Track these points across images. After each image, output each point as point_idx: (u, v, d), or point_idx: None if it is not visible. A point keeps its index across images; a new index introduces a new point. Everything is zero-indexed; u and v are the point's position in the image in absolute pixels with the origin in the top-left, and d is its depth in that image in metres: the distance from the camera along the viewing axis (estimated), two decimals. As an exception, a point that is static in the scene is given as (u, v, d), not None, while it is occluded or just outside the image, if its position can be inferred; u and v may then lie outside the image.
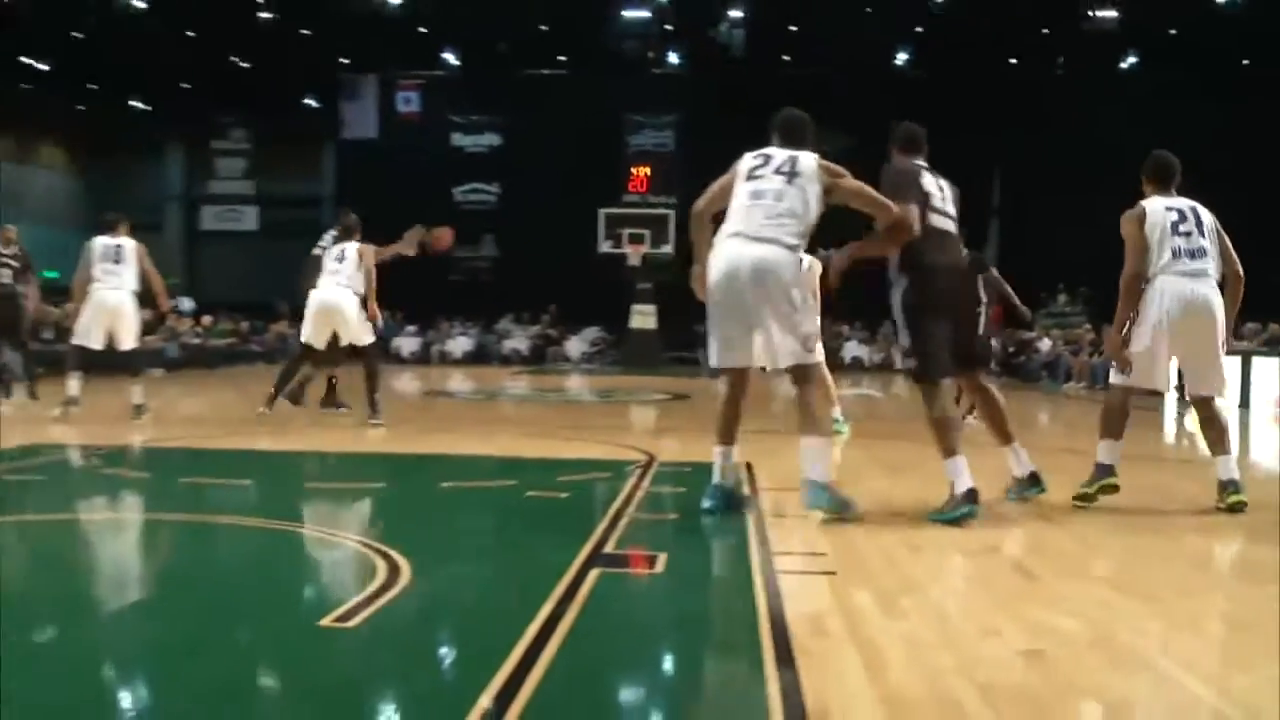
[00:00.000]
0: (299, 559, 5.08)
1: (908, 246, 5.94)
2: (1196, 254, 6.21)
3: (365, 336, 10.98)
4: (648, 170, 34.10)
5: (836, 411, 9.66)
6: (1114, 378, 6.46)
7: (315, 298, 10.91)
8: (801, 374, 5.71)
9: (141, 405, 11.03)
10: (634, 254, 28.29)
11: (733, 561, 4.91)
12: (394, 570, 4.32)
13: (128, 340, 11.16)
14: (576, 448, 9.36)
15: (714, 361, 5.95)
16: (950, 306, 6.20)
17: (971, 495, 5.71)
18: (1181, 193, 6.49)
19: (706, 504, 5.85)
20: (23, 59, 33.47)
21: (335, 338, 10.93)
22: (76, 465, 8.14)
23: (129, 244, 11.27)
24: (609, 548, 4.95)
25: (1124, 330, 6.35)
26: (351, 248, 11.01)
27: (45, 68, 34.32)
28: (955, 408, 6.49)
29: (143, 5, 28.63)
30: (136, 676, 3.29)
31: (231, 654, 3.46)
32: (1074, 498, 6.28)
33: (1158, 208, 6.30)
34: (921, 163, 6.23)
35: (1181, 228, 6.24)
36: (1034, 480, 6.40)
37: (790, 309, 5.60)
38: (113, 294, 11.01)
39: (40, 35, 31.24)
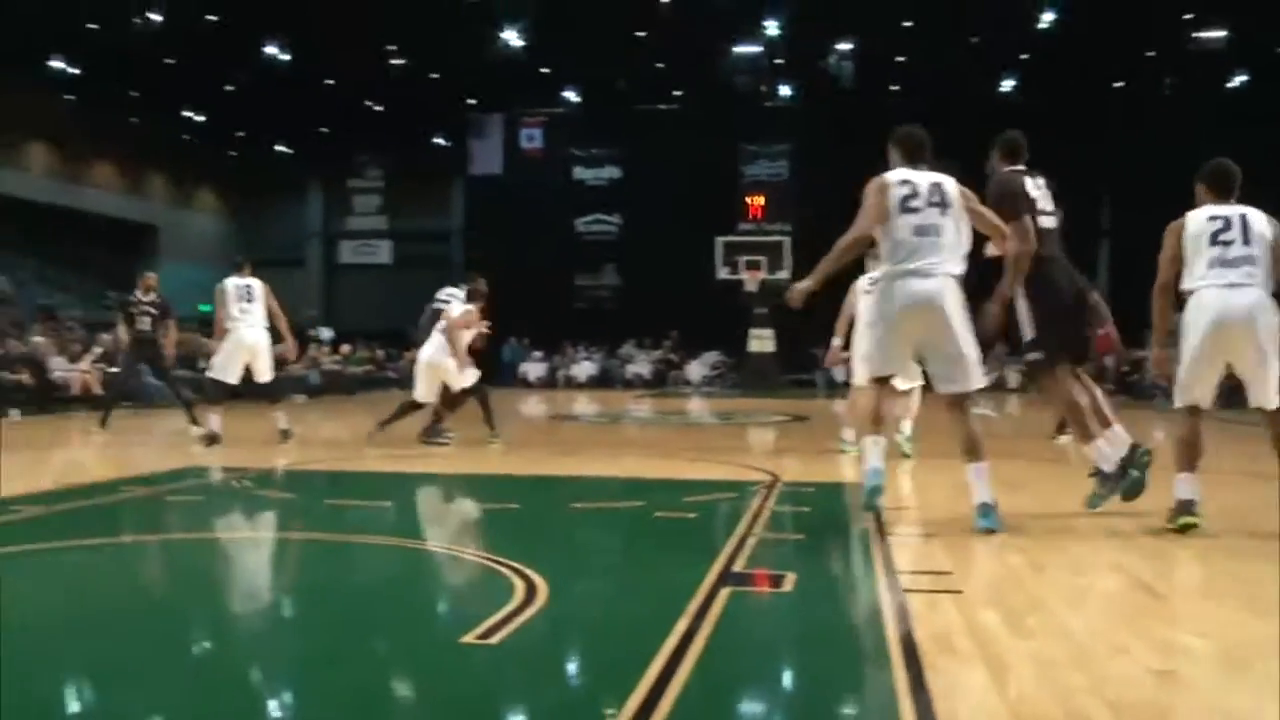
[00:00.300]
0: (439, 577, 5.26)
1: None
2: (1237, 263, 5.91)
3: (467, 379, 11.41)
4: (762, 199, 34.27)
5: (906, 427, 9.77)
6: (1176, 400, 6.18)
7: (421, 355, 11.60)
8: (965, 400, 6.06)
9: (287, 430, 11.64)
10: (751, 280, 28.49)
11: (859, 580, 4.97)
12: (531, 589, 4.45)
13: (266, 373, 11.78)
14: (700, 469, 9.47)
15: (869, 371, 6.31)
16: (1064, 297, 6.53)
17: (1124, 470, 6.24)
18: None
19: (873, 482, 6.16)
20: (183, 112, 35.29)
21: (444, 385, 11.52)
22: (228, 487, 8.50)
23: (257, 284, 11.83)
24: (738, 566, 5.02)
25: (1163, 345, 6.32)
26: (457, 308, 11.62)
27: (201, 119, 36.09)
28: (1081, 392, 6.57)
29: (285, 58, 29.83)
30: (286, 688, 3.45)
31: (378, 669, 3.61)
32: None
33: (1200, 217, 6.06)
34: (1021, 168, 6.61)
35: (1222, 237, 5.96)
36: (1122, 473, 6.38)
37: (958, 337, 5.97)
38: (249, 331, 11.60)
39: (196, 89, 32.81)
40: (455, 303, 11.75)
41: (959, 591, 4.55)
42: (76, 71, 31.86)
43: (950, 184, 6.13)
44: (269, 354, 11.80)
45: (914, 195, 6.01)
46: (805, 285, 6.28)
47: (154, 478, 8.81)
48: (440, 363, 11.38)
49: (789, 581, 4.77)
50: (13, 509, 6.77)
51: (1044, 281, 6.42)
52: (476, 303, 11.65)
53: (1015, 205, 6.29)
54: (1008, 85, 32.19)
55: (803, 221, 30.97)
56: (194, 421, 13.13)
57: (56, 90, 32.35)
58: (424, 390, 11.55)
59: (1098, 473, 6.46)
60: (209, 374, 11.91)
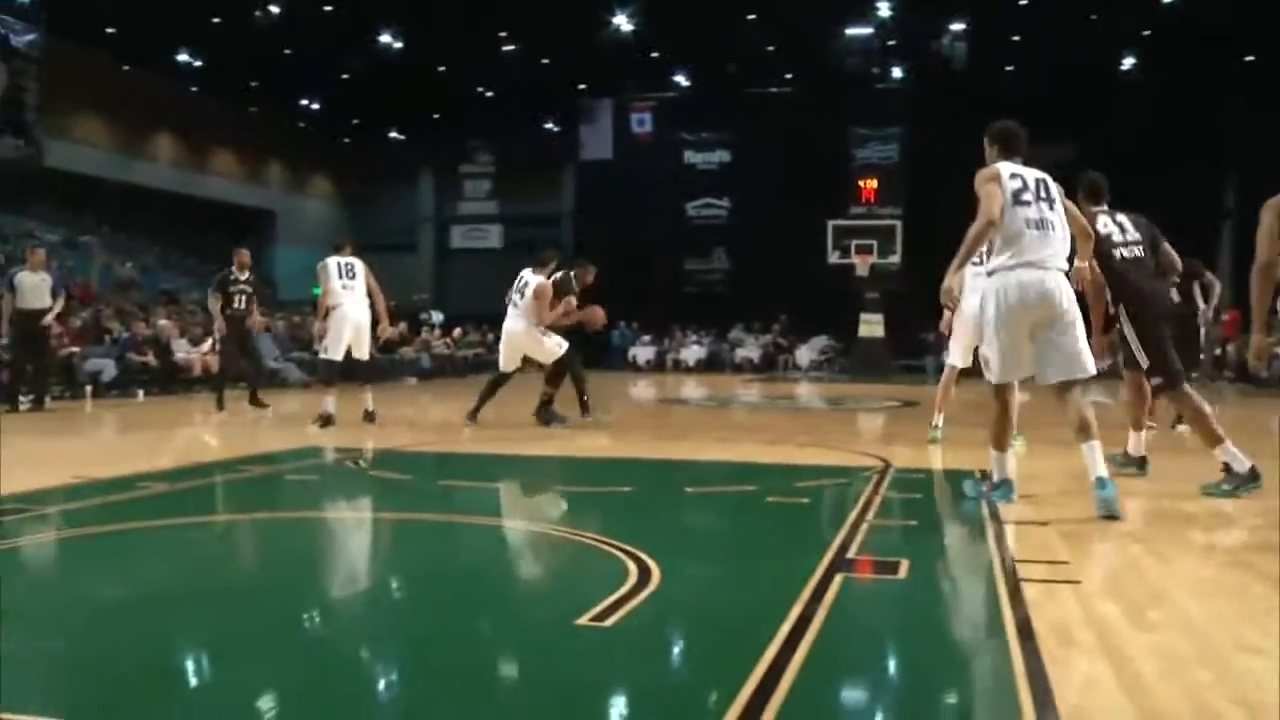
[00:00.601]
0: (554, 559, 5.30)
1: (1118, 286, 7.04)
2: None
3: (554, 354, 11.48)
4: (874, 182, 33.91)
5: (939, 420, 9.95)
6: None
7: (504, 329, 11.78)
8: (1073, 385, 6.09)
9: (372, 413, 11.92)
10: (862, 264, 28.22)
11: (975, 569, 4.90)
12: (645, 572, 4.47)
13: (364, 351, 11.96)
14: (811, 454, 9.42)
15: (999, 377, 6.26)
16: (1165, 325, 7.14)
17: (1255, 473, 6.39)
18: None
19: (998, 496, 6.30)
20: (299, 101, 36.16)
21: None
22: (343, 468, 8.67)
23: (358, 262, 12.00)
24: (851, 553, 4.97)
25: (1264, 331, 6.29)
26: (532, 283, 11.60)
27: (316, 107, 36.92)
28: (1204, 403, 6.93)
29: (398, 46, 30.33)
30: (400, 668, 3.50)
31: (491, 650, 3.66)
32: None
33: None
34: (1101, 208, 7.26)
35: None
36: (1254, 475, 6.53)
37: (1072, 327, 6.05)
38: (353, 308, 11.79)
39: (312, 78, 33.59)
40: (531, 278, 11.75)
41: (1077, 582, 4.45)
42: (200, 64, 32.77)
43: (1050, 180, 6.19)
44: (368, 332, 11.97)
45: (1024, 189, 6.03)
46: (951, 284, 6.47)
47: (273, 457, 9.05)
48: (517, 332, 11.52)
49: (903, 569, 4.71)
50: (140, 485, 7.01)
51: (1149, 317, 7.08)
52: (562, 278, 11.71)
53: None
54: (1127, 63, 31.35)
55: (915, 205, 30.62)
56: (256, 402, 13.83)
57: (183, 82, 33.32)
58: (504, 360, 11.77)
59: (1227, 469, 6.60)
60: (321, 355, 12.05)
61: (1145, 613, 3.97)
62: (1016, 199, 5.99)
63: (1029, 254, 5.95)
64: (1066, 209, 6.23)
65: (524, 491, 7.68)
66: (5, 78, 27.72)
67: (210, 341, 17.59)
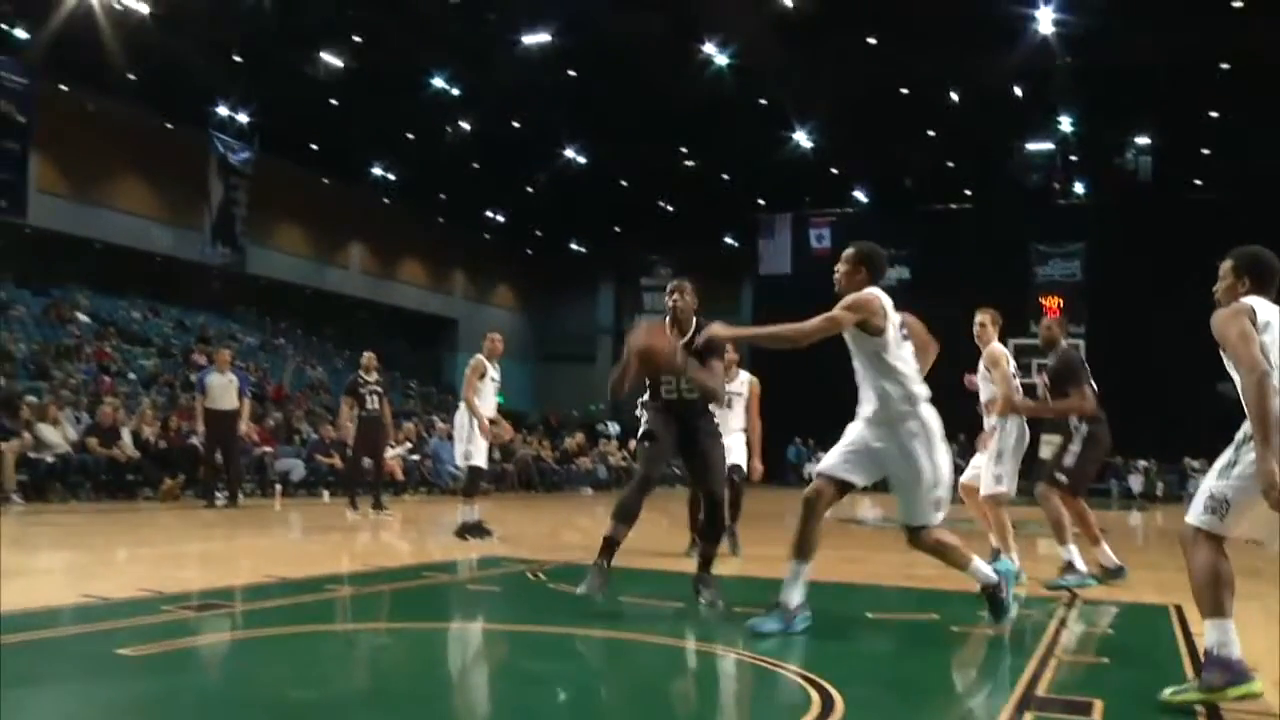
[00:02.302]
0: (733, 683, 5.21)
1: None
2: None
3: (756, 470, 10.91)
4: (1057, 300, 33.19)
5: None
6: None
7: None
8: None
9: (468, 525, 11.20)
10: (1041, 384, 27.46)
11: (1177, 713, 4.63)
12: (827, 701, 4.34)
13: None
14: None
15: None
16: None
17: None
18: None
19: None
20: (484, 212, 37.58)
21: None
22: (523, 579, 8.72)
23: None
24: (1040, 690, 4.74)
25: None
26: (747, 384, 10.98)
27: (500, 219, 38.31)
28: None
29: (582, 161, 31.33)
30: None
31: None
32: None
33: None
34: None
35: None
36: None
37: None
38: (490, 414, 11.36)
39: (497, 191, 34.92)
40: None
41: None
42: (393, 177, 34.38)
43: None
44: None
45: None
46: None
47: (452, 565, 9.20)
48: (736, 438, 10.59)
49: (1096, 710, 4.48)
50: (327, 588, 7.20)
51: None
52: None
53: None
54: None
55: (1097, 324, 29.85)
56: (377, 505, 14.14)
57: (376, 194, 34.96)
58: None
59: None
60: (471, 461, 11.29)
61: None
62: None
63: None
64: None
65: (701, 609, 7.60)
66: (222, 192, 29.59)
67: (398, 446, 18.13)
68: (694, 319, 7.31)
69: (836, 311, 6.08)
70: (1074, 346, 9.12)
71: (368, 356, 14.70)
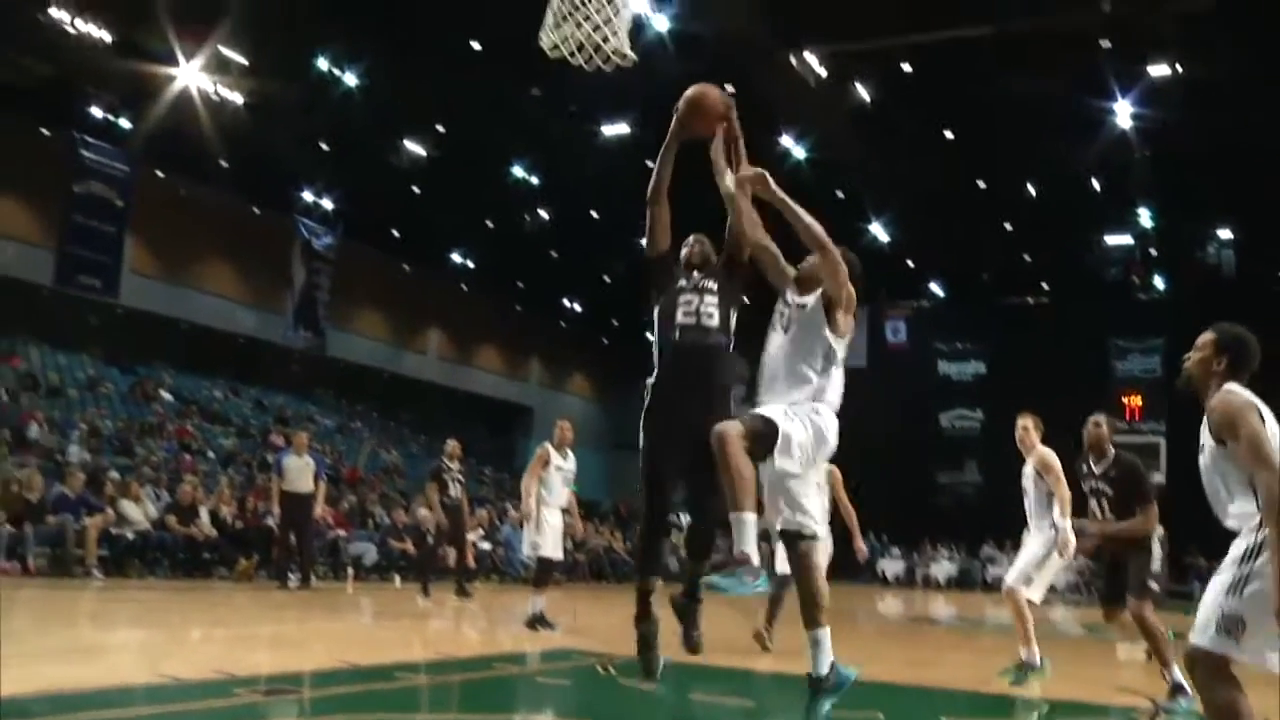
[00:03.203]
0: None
1: None
2: None
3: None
4: (1137, 398, 32.70)
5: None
6: None
7: None
8: None
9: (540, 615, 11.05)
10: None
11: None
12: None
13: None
14: (1070, 687, 8.84)
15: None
16: None
17: None
18: None
19: None
20: (561, 300, 38.00)
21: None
22: (593, 673, 8.66)
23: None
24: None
25: None
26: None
27: (577, 307, 38.69)
28: None
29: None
30: None
31: None
32: None
33: None
34: None
35: None
36: None
37: None
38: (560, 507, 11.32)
39: (574, 279, 35.33)
40: None
41: None
42: (472, 264, 34.95)
43: None
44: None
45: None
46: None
47: (522, 657, 9.17)
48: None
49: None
50: (398, 676, 7.21)
51: None
52: None
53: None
54: None
55: (1178, 422, 29.27)
56: (461, 592, 14.19)
57: (454, 281, 35.52)
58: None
59: None
60: (540, 553, 11.15)
61: None
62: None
63: None
64: None
65: (773, 708, 7.50)
66: (305, 276, 30.29)
67: (471, 533, 18.20)
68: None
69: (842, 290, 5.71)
70: (1127, 449, 8.55)
71: (452, 444, 14.85)
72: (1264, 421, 4.34)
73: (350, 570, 17.91)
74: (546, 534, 11.10)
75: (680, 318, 5.89)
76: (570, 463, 11.32)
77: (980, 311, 34.78)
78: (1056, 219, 28.33)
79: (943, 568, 30.52)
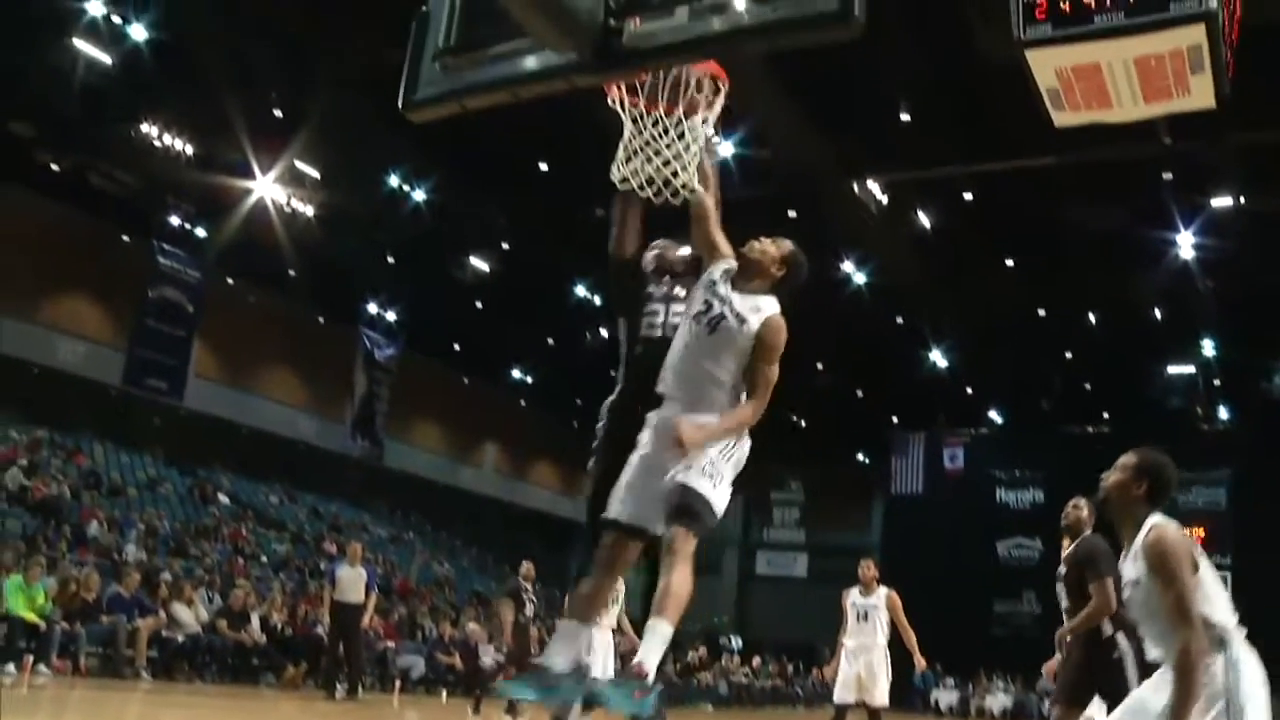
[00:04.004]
0: None
1: None
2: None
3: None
4: (1201, 530, 32.01)
5: None
6: None
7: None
8: None
9: None
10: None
11: None
12: None
13: None
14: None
15: None
16: None
17: None
18: None
19: None
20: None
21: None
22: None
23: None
24: None
25: None
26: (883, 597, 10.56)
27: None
28: None
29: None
30: None
31: None
32: None
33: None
34: None
35: None
36: None
37: None
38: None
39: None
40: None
41: None
42: (530, 380, 35.18)
43: None
44: None
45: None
46: None
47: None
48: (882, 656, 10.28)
49: None
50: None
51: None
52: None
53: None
54: None
55: (1243, 555, 28.67)
56: (512, 710, 13.47)
57: (512, 395, 35.73)
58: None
59: None
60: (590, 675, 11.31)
61: None
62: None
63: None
64: None
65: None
66: (366, 386, 30.68)
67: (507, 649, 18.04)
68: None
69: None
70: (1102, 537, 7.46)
71: (527, 566, 14.82)
72: (1197, 569, 4.29)
73: (398, 683, 17.77)
74: (597, 653, 10.96)
75: (644, 330, 5.34)
76: (619, 582, 11.20)
77: (1039, 439, 34.40)
78: (1117, 348, 28.14)
79: (998, 699, 29.71)
